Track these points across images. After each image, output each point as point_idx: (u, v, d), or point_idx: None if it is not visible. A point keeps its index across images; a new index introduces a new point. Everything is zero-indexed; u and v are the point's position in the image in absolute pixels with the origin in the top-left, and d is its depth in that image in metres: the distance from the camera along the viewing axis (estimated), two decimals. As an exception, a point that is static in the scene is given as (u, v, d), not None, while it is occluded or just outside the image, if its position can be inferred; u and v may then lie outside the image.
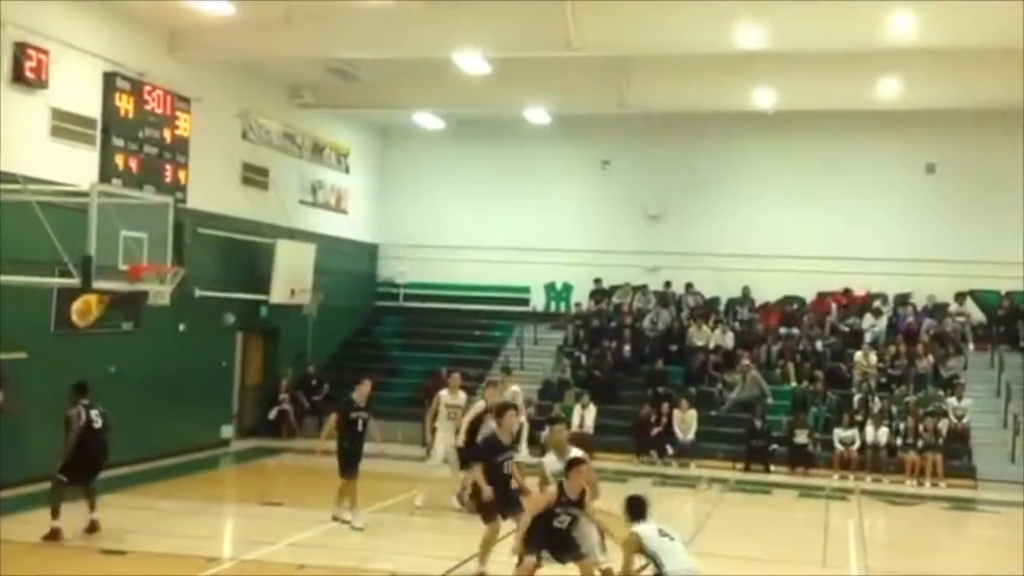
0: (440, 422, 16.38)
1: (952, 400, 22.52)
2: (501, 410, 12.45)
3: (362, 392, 15.16)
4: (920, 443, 21.35)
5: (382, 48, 19.95)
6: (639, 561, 9.62)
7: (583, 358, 25.88)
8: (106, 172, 18.22)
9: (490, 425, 13.61)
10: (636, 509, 9.73)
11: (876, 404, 22.80)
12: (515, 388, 22.96)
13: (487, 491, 11.71)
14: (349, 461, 14.76)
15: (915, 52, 19.20)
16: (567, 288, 28.78)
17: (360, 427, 14.93)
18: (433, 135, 28.59)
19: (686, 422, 22.65)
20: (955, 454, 21.63)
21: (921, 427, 21.55)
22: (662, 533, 9.51)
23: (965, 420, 22.25)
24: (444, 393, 16.59)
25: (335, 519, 14.69)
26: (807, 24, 17.96)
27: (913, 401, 22.51)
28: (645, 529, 9.56)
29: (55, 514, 13.12)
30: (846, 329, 25.83)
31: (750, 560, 13.68)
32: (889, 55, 19.98)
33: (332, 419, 15.04)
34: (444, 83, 23.13)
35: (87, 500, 13.64)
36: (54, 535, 13.04)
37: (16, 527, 13.54)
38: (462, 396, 16.59)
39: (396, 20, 19.16)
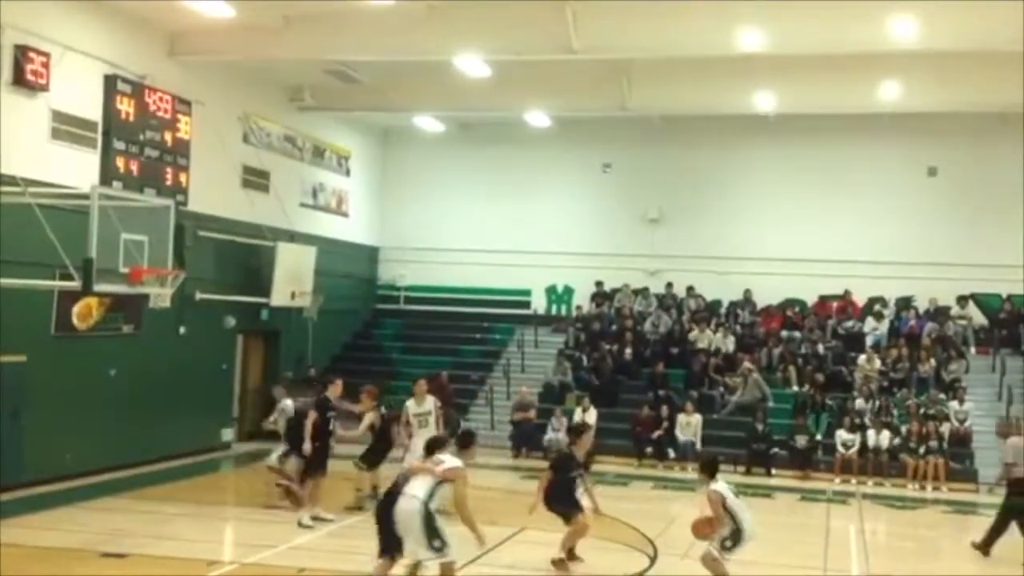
0: (414, 431, 15.90)
1: (954, 404, 22.50)
2: (579, 431, 13.45)
3: (335, 391, 15.36)
4: (922, 447, 21.31)
5: (382, 50, 19.92)
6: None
7: (584, 361, 25.86)
8: (107, 175, 18.18)
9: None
10: (712, 467, 11.66)
11: (878, 408, 22.77)
12: (523, 389, 23.28)
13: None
14: (320, 461, 14.87)
15: (916, 55, 19.21)
16: (568, 291, 28.78)
17: (332, 426, 15.17)
18: (434, 138, 28.64)
19: (691, 425, 22.62)
20: (957, 458, 21.60)
21: (924, 431, 21.50)
22: (735, 493, 11.41)
23: (967, 424, 22.22)
24: (410, 403, 16.29)
25: (315, 519, 14.78)
26: (808, 27, 17.96)
27: (915, 404, 22.47)
28: (723, 488, 11.47)
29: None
30: (844, 332, 25.79)
31: (751, 564, 13.62)
32: (890, 58, 19.97)
33: (312, 420, 14.97)
34: (444, 86, 23.15)
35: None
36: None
37: (15, 531, 13.54)
38: (430, 402, 16.34)
39: (396, 22, 19.14)
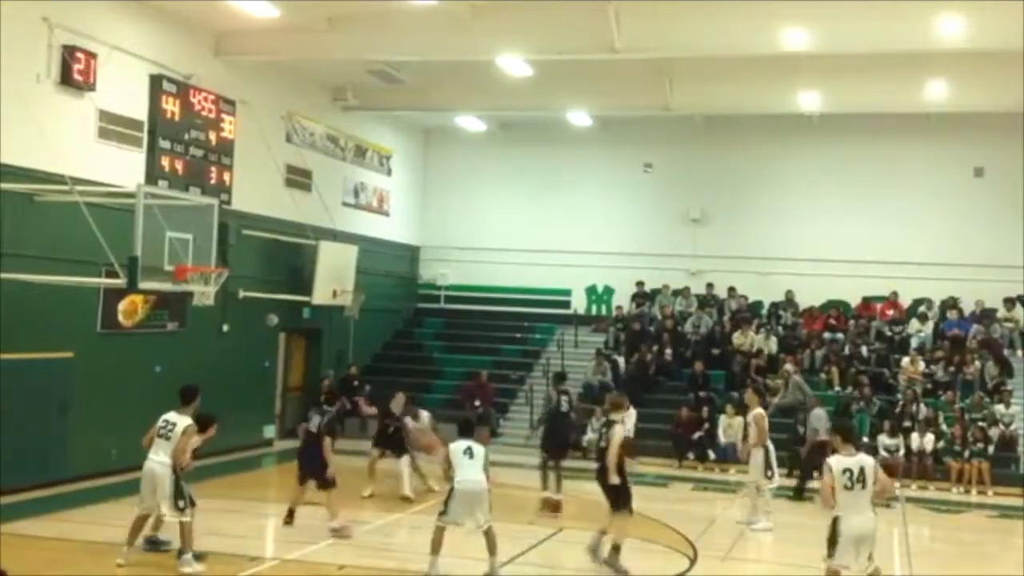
0: None
1: (999, 407, 22.19)
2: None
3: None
4: (967, 451, 21.04)
5: (425, 51, 20.01)
6: None
7: (624, 361, 25.75)
8: (152, 174, 18.41)
9: None
10: (464, 428, 12.41)
11: (922, 411, 22.50)
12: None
13: None
14: None
15: (962, 54, 18.98)
16: (608, 291, 28.72)
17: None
18: (475, 137, 28.71)
19: (733, 427, 22.44)
20: (1002, 462, 21.30)
21: (969, 435, 21.22)
22: (466, 451, 11.99)
23: (1012, 427, 21.92)
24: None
25: None
26: (853, 26, 17.81)
27: (960, 408, 22.20)
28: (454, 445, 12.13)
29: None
30: (890, 333, 25.49)
31: (791, 566, 13.58)
32: (936, 57, 19.76)
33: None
34: (486, 85, 23.21)
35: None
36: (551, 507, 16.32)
37: (61, 525, 13.74)
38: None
39: (439, 23, 19.22)
